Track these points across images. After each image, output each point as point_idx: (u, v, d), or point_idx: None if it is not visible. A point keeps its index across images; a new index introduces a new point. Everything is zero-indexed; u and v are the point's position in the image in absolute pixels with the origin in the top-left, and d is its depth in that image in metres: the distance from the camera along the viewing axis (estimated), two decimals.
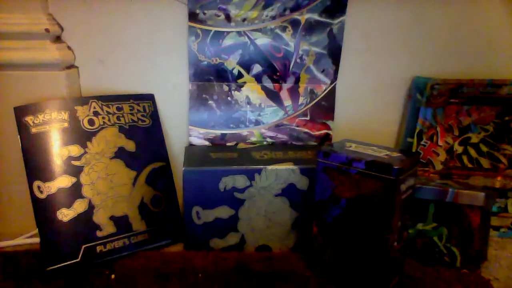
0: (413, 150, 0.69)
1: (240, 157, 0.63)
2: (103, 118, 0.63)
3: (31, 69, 0.62)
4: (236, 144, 0.70)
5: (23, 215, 0.63)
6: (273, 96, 0.69)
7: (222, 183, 0.60)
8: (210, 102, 0.68)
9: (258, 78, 0.68)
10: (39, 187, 0.57)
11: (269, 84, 0.69)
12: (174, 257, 0.59)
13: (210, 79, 0.67)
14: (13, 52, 0.61)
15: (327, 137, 0.72)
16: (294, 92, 0.69)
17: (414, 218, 0.60)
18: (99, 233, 0.59)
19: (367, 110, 0.72)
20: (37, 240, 0.58)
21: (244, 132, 0.70)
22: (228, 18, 0.65)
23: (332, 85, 0.70)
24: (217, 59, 0.67)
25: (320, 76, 0.69)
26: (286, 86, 0.69)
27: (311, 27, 0.66)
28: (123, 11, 0.64)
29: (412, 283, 0.56)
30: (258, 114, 0.70)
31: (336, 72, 0.69)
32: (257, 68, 0.68)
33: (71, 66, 0.66)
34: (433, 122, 0.68)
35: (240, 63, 0.67)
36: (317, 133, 0.71)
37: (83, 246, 0.57)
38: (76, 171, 0.59)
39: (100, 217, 0.59)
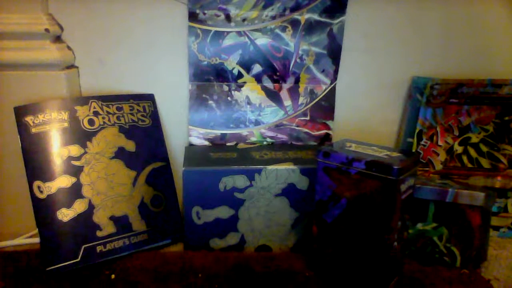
0: (413, 150, 0.69)
1: (240, 157, 0.63)
2: (103, 118, 0.63)
3: (31, 69, 0.62)
4: (236, 144, 0.70)
5: (23, 215, 0.63)
6: (273, 96, 0.69)
7: (222, 183, 0.60)
8: (210, 102, 0.68)
9: (258, 78, 0.68)
10: (39, 187, 0.57)
11: (269, 84, 0.69)
12: (174, 257, 0.59)
13: (210, 79, 0.67)
14: (13, 52, 0.61)
15: (327, 137, 0.72)
16: (294, 92, 0.69)
17: (414, 218, 0.60)
18: (99, 233, 0.59)
19: (367, 110, 0.72)
20: (37, 240, 0.58)
21: (244, 132, 0.70)
22: (228, 18, 0.65)
23: (332, 85, 0.70)
24: (217, 59, 0.67)
25: (320, 76, 0.69)
26: (286, 86, 0.69)
27: (311, 27, 0.66)
28: (123, 11, 0.64)
29: (412, 283, 0.55)
30: (258, 114, 0.70)
31: (336, 72, 0.69)
32: (257, 68, 0.68)
33: (71, 66, 0.65)
34: (433, 122, 0.68)
35: (240, 63, 0.67)
36: (317, 133, 0.71)
37: (83, 246, 0.57)
38: (76, 171, 0.59)
39: (100, 217, 0.59)
